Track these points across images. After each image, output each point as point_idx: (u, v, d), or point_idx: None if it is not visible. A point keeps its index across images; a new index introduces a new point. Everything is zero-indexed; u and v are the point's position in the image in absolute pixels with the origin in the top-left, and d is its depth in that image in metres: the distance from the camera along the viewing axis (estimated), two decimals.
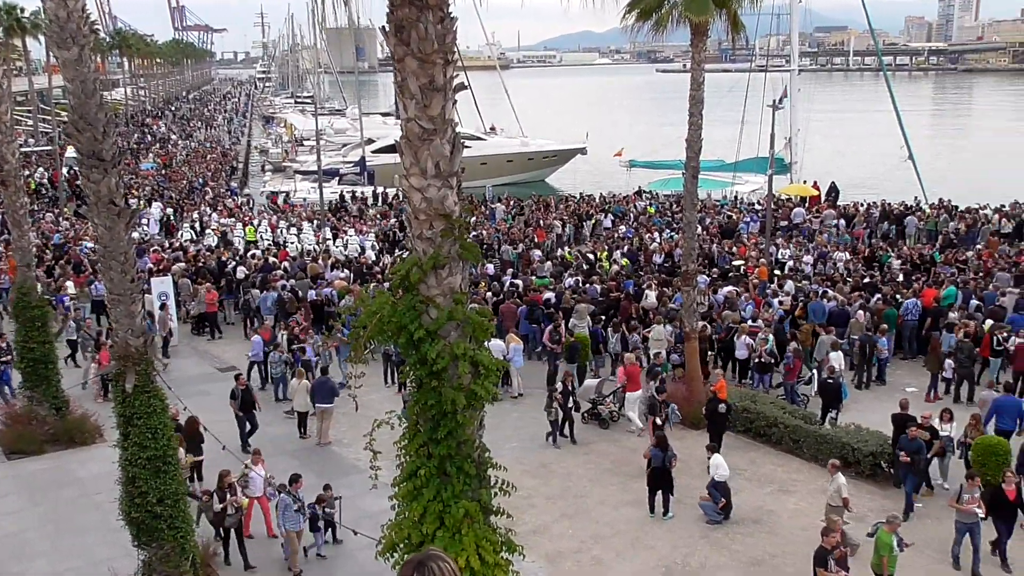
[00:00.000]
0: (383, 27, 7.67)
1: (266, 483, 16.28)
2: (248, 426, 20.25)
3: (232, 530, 15.64)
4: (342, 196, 53.06)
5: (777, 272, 31.81)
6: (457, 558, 7.97)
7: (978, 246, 36.05)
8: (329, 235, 40.53)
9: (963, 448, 17.79)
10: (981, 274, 30.27)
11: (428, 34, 7.46)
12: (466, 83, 8.13)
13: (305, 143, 72.85)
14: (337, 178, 59.50)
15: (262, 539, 16.38)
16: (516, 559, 9.18)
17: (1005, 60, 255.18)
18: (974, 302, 26.57)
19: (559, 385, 20.85)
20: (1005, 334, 23.40)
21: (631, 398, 21.39)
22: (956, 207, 41.65)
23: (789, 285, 29.20)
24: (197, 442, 17.85)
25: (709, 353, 24.20)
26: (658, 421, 18.89)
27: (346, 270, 32.43)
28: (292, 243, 39.36)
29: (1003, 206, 40.27)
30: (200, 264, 32.86)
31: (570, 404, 20.71)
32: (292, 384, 21.52)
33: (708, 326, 24.71)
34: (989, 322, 24.39)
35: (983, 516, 15.02)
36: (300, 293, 28.79)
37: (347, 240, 39.34)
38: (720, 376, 21.27)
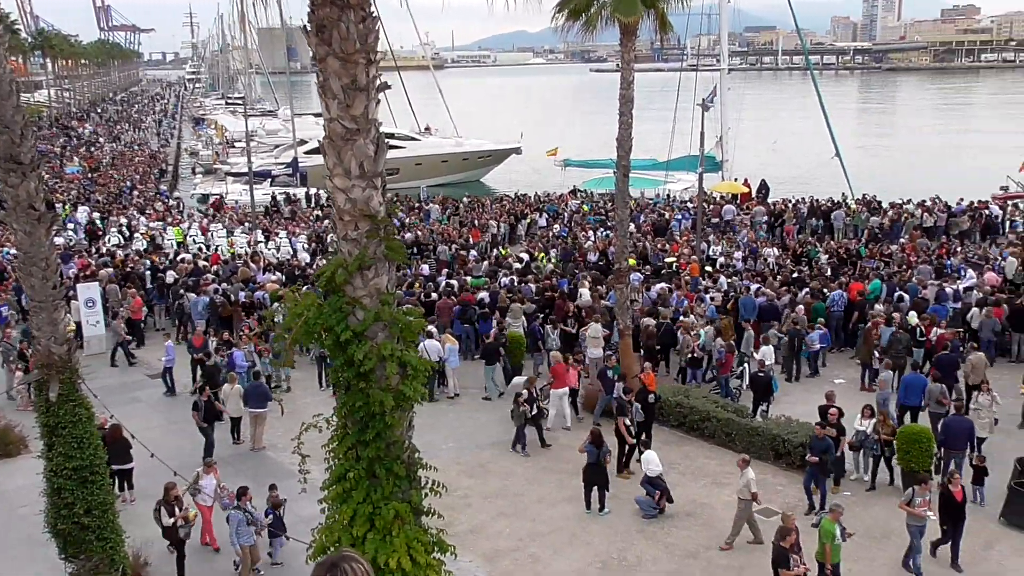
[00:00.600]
0: (304, 27, 7.62)
1: (218, 493, 15.87)
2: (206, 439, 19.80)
3: (185, 543, 15.25)
4: (274, 198, 52.46)
5: (708, 268, 32.25)
6: (388, 560, 7.95)
7: (901, 240, 37.00)
8: (261, 237, 40.03)
9: (878, 445, 18.07)
10: (904, 267, 31.05)
11: (349, 34, 7.42)
12: (390, 83, 8.11)
13: (236, 145, 71.89)
14: (269, 180, 58.84)
15: (197, 547, 16.06)
16: (451, 559, 9.19)
17: (926, 59, 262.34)
18: (898, 294, 27.24)
19: (524, 392, 20.50)
20: (926, 325, 24.10)
21: (555, 395, 21.47)
22: (880, 203, 42.68)
23: (722, 281, 29.65)
24: (123, 450, 17.42)
25: (657, 348, 24.47)
26: (626, 422, 18.89)
27: (278, 273, 32.06)
28: (221, 246, 38.77)
29: (924, 201, 41.36)
30: (128, 269, 32.20)
31: (534, 411, 20.48)
32: (224, 389, 21.20)
33: (652, 322, 24.93)
34: (913, 314, 25.06)
35: (933, 517, 14.98)
36: (232, 297, 28.38)
37: (279, 242, 38.90)
38: (649, 368, 21.51)
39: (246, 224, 43.31)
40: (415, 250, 36.96)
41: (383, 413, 8.03)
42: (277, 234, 40.75)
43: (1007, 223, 40.20)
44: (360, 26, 7.46)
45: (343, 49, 7.44)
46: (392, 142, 63.61)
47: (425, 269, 33.03)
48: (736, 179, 50.55)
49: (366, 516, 8.20)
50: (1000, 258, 31.96)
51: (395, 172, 63.36)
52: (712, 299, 27.26)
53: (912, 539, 14.98)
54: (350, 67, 7.48)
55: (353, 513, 8.23)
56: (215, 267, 32.94)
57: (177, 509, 14.99)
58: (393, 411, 8.10)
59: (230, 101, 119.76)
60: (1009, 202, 42.87)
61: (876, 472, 18.15)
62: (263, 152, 68.20)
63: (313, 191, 53.97)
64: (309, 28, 7.51)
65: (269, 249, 37.82)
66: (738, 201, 46.92)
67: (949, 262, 31.70)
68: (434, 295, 27.70)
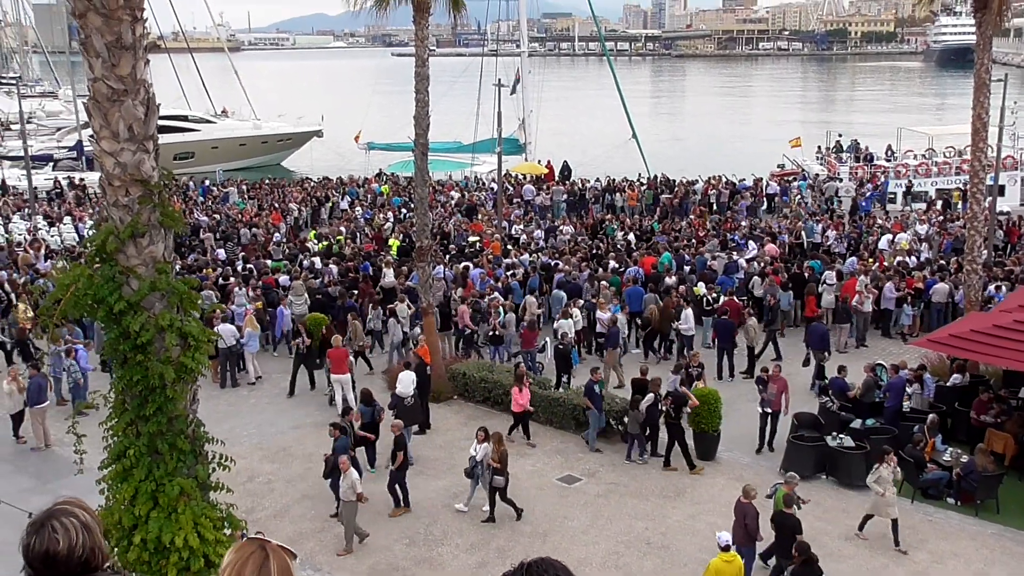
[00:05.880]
0: None
1: None
2: None
3: None
4: (57, 182, 49.30)
5: (511, 247, 32.80)
6: (175, 538, 7.67)
7: (689, 217, 38.95)
8: (43, 224, 37.56)
9: (491, 472, 16.17)
10: (694, 241, 32.70)
11: None
12: (160, 43, 7.75)
13: (12, 127, 66.90)
14: (51, 164, 55.27)
15: None
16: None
17: (711, 47, 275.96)
18: (688, 267, 28.72)
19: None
20: (715, 294, 25.55)
21: (334, 379, 21.16)
22: (672, 181, 44.69)
23: (524, 258, 30.19)
24: None
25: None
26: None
27: (62, 261, 30.16)
28: None
29: (710, 178, 43.72)
30: None
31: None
32: (2, 386, 19.76)
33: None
34: (701, 284, 26.49)
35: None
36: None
37: (62, 229, 36.61)
38: (422, 342, 21.73)
39: (24, 210, 40.49)
40: (216, 235, 35.74)
41: (163, 386, 7.71)
42: (61, 220, 38.34)
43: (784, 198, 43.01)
44: None
45: (105, 4, 7.04)
46: (186, 125, 61.58)
47: (221, 254, 31.95)
48: (539, 161, 51.62)
49: (148, 494, 7.85)
50: (779, 230, 34.27)
51: (190, 156, 60.89)
52: (513, 275, 27.73)
53: None
54: (114, 24, 7.09)
55: (135, 492, 7.88)
56: None
57: None
58: (174, 384, 7.79)
59: (3, 82, 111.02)
60: (786, 178, 45.93)
61: (495, 502, 16.32)
62: (43, 135, 63.90)
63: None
64: None
65: (52, 236, 35.57)
66: (545, 181, 47.90)
67: (733, 235, 33.62)
68: (231, 279, 26.83)
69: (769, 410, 19.06)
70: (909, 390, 19.46)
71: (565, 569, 2.82)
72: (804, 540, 13.06)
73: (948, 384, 20.03)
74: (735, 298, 25.04)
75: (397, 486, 16.60)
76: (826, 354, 22.54)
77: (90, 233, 33.91)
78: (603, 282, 26.55)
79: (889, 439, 18.00)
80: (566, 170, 51.04)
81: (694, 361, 20.78)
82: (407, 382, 18.77)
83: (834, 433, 18.13)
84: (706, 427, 18.72)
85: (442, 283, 26.66)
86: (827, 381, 20.71)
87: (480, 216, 39.29)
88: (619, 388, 21.98)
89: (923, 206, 40.23)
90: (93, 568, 3.09)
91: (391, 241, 33.80)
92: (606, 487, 17.53)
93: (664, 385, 19.17)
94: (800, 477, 17.03)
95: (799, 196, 42.09)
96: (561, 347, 22.43)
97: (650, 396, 18.40)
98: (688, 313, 23.96)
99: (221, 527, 8.31)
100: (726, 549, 12.77)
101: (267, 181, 51.32)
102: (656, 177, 45.53)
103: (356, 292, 26.41)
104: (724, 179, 43.55)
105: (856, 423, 18.60)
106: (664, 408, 18.25)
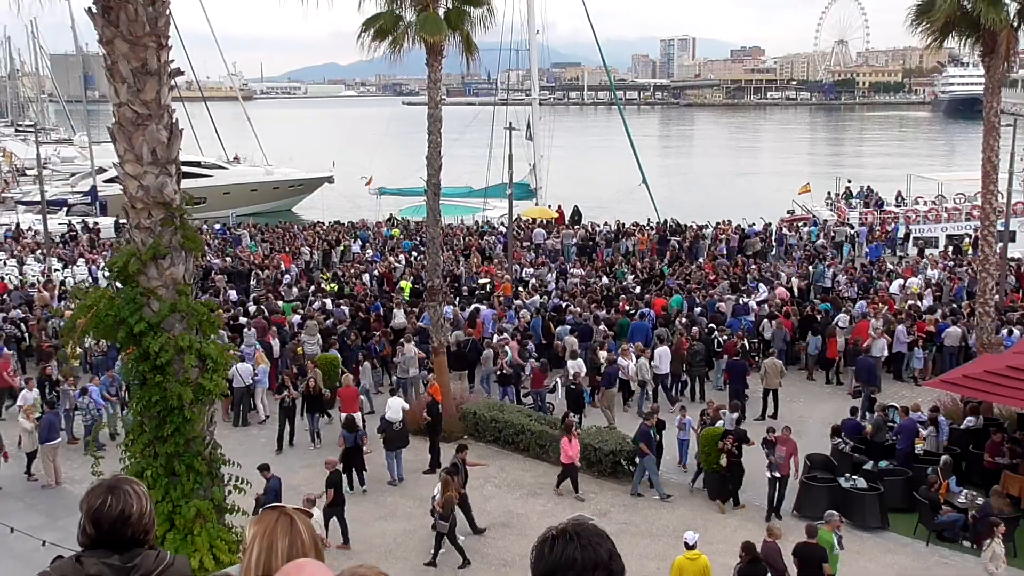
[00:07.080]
0: (89, 8, 7.33)
1: None
2: None
3: None
4: (71, 226, 49.77)
5: (521, 289, 32.87)
6: (190, 560, 7.64)
7: (700, 260, 39.05)
8: (58, 265, 37.95)
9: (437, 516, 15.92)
10: (706, 285, 32.74)
11: (138, 16, 7.21)
12: (183, 70, 7.92)
13: (28, 172, 67.76)
14: (66, 208, 55.87)
15: None
16: None
17: (720, 96, 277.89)
18: (699, 308, 28.71)
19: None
20: (725, 336, 25.51)
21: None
22: (683, 225, 44.86)
23: (535, 300, 30.24)
24: None
25: None
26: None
27: (77, 300, 30.34)
28: (11, 275, 36.49)
29: (719, 223, 43.91)
30: None
31: None
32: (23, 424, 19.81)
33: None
34: (712, 326, 26.47)
35: None
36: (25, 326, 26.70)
37: (75, 271, 36.94)
38: (432, 381, 21.81)
39: (38, 252, 40.89)
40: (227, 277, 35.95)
41: (182, 407, 7.75)
42: (75, 262, 38.71)
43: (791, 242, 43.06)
44: (150, 9, 7.26)
45: (131, 31, 7.21)
46: (199, 171, 62.11)
47: (233, 295, 32.11)
48: (550, 205, 51.92)
49: (165, 515, 7.85)
50: (790, 276, 34.28)
51: (202, 201, 61.31)
52: (521, 317, 27.81)
53: None
54: (139, 50, 7.25)
55: None
56: (2, 296, 31.01)
57: None
58: (193, 405, 7.83)
59: (20, 129, 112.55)
60: (795, 223, 46.04)
61: (438, 548, 16.08)
62: (58, 180, 64.64)
63: (123, 220, 51.37)
64: (95, 9, 7.24)
65: (66, 277, 35.95)
66: (556, 225, 48.16)
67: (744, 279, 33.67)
68: (243, 319, 26.94)
69: (778, 474, 17.93)
70: (924, 432, 19.36)
71: (611, 539, 2.80)
72: (751, 541, 13.32)
73: (962, 427, 19.92)
74: (738, 340, 25.00)
75: (336, 520, 16.47)
76: (875, 388, 23.07)
77: (103, 276, 34.33)
78: (602, 326, 26.51)
79: (903, 480, 17.92)
80: (577, 214, 51.30)
81: (710, 407, 20.64)
82: (396, 408, 19.31)
83: (847, 474, 18.00)
84: (719, 467, 18.62)
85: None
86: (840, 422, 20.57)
87: (473, 259, 39.46)
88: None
89: (915, 251, 40.50)
90: (146, 542, 3.12)
91: (403, 283, 33.90)
92: (617, 527, 17.36)
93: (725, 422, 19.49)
94: (813, 518, 17.00)
95: (808, 242, 42.19)
96: (574, 387, 22.40)
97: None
98: (662, 351, 23.87)
99: (236, 550, 8.29)
100: (691, 548, 13.09)
101: (279, 225, 51.71)
102: (665, 222, 45.72)
103: (373, 333, 26.43)
104: (734, 224, 43.73)
105: (868, 465, 18.49)
106: (727, 446, 18.12)
